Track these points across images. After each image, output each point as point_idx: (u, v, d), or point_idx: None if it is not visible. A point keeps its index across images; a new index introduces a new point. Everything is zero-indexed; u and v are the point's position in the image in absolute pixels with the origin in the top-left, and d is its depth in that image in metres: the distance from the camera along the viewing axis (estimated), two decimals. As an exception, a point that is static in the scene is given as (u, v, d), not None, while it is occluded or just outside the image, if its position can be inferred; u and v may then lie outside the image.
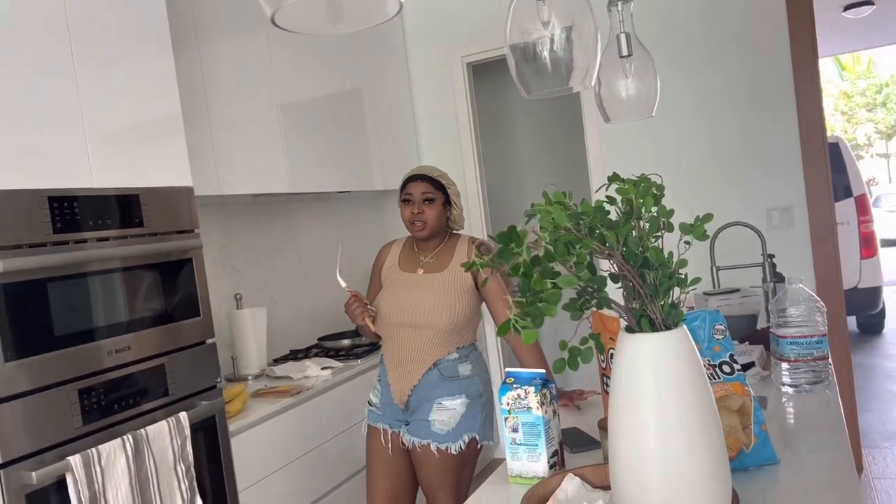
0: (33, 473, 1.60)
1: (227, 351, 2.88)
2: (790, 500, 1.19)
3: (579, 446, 1.56)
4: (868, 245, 5.88)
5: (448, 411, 2.15)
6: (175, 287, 2.06)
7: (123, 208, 1.91)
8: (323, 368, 2.78)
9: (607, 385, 1.72)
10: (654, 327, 1.09)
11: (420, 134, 4.12)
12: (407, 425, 2.21)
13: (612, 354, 1.66)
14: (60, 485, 1.68)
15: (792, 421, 1.62)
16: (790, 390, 1.75)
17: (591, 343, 0.98)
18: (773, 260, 2.66)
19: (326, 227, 3.69)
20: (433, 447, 2.14)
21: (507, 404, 1.40)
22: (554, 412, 1.42)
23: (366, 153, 3.56)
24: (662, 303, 1.10)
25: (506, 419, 1.40)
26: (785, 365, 1.75)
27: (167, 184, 2.07)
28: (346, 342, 3.12)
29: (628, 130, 3.55)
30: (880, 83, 19.38)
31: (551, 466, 1.38)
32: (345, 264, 2.32)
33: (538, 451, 1.38)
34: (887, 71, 18.98)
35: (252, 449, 2.30)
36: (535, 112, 5.03)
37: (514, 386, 1.40)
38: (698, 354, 1.09)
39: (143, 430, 1.85)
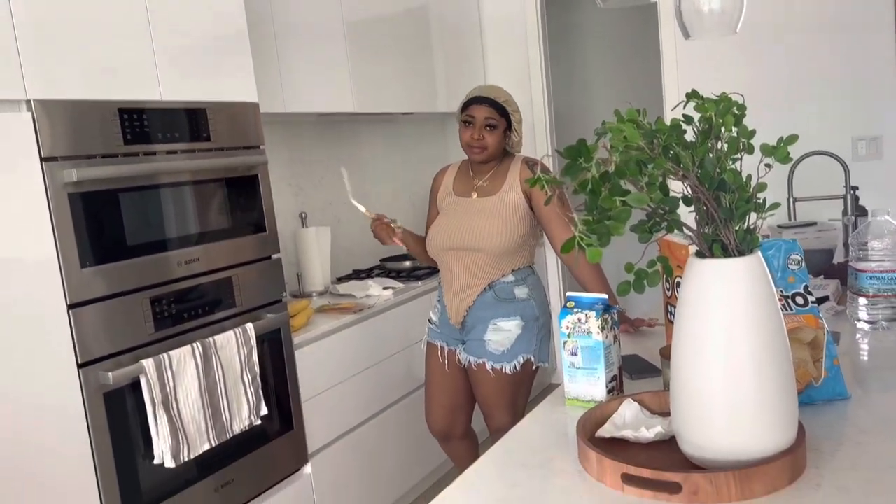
0: (110, 374, 1.69)
1: (293, 268, 2.94)
2: (859, 437, 1.15)
3: (639, 373, 1.54)
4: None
5: (503, 332, 2.16)
6: (241, 202, 2.09)
7: (191, 122, 1.93)
8: (385, 288, 2.82)
9: (671, 314, 1.68)
10: (726, 253, 1.04)
11: (487, 54, 4.00)
12: (464, 344, 2.24)
13: (678, 283, 1.61)
14: (135, 386, 1.77)
15: (865, 358, 1.55)
16: (866, 326, 1.68)
17: (659, 266, 0.94)
18: (857, 192, 2.52)
19: (390, 149, 3.67)
20: (488, 366, 2.17)
21: (567, 328, 1.38)
22: (615, 338, 1.39)
23: (431, 74, 3.48)
24: (737, 228, 1.05)
25: (565, 343, 1.39)
26: (863, 300, 1.67)
27: (233, 99, 2.07)
28: (407, 264, 3.15)
29: (708, 49, 3.35)
30: None
31: (609, 391, 1.37)
32: (355, 188, 2.30)
33: (597, 375, 1.36)
34: None
35: (315, 362, 2.37)
36: (606, 33, 4.81)
37: (575, 310, 1.38)
38: (772, 283, 1.04)
39: (211, 339, 1.92)
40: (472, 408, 2.38)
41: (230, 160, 2.02)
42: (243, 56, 2.11)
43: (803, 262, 1.36)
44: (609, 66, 4.83)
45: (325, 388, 2.41)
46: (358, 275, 3.19)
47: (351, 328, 2.53)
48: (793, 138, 1.10)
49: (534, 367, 2.21)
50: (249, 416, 2.01)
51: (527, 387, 2.26)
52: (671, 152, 1.02)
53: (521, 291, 2.19)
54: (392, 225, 2.29)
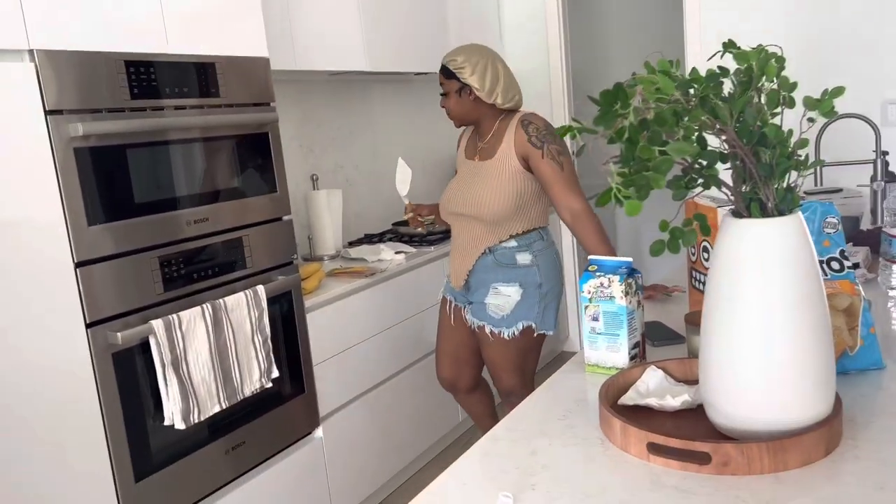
0: (118, 334, 1.65)
1: (304, 231, 2.89)
2: (892, 406, 1.10)
3: (661, 340, 1.49)
4: None
5: (503, 297, 2.15)
6: (252, 161, 2.04)
7: (199, 76, 1.87)
8: (397, 253, 2.77)
9: (695, 279, 1.62)
10: (764, 212, 0.98)
11: (503, 13, 3.89)
12: (470, 304, 2.24)
13: (704, 247, 1.55)
14: (144, 347, 1.73)
15: (898, 327, 1.49)
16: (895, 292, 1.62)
17: (696, 225, 0.88)
18: (887, 157, 2.43)
19: (402, 111, 3.59)
20: (487, 330, 2.17)
21: (589, 292, 1.33)
22: (639, 303, 1.34)
23: (444, 33, 3.38)
24: (777, 186, 0.98)
25: (586, 307, 1.34)
26: (897, 267, 1.61)
27: (243, 53, 2.00)
28: (420, 229, 3.08)
29: (731, 5, 3.23)
30: None
31: (632, 358, 1.32)
32: (411, 173, 2.36)
33: (619, 341, 1.31)
34: None
35: (327, 325, 2.33)
36: (627, -7, 4.67)
37: (598, 274, 1.33)
38: (813, 245, 0.98)
39: (221, 301, 1.88)
40: (477, 364, 2.40)
41: (240, 117, 1.96)
42: (253, 8, 2.04)
43: (840, 225, 1.30)
44: (629, 21, 4.69)
45: (336, 352, 2.37)
46: (370, 239, 3.14)
47: (363, 292, 2.49)
48: (839, 90, 1.03)
49: (535, 335, 2.19)
50: (261, 379, 1.98)
51: (533, 353, 2.25)
52: (709, 104, 0.96)
53: (523, 257, 2.15)
54: (424, 222, 2.40)
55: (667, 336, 1.50)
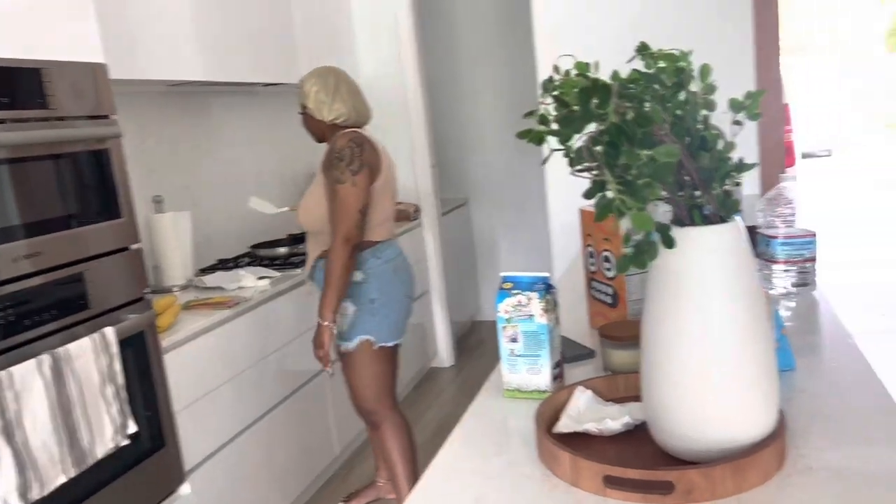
0: (-71, 403, 1.33)
1: (148, 259, 2.57)
2: (825, 410, 1.09)
3: (572, 356, 1.42)
4: (787, 154, 5.97)
5: (343, 313, 2.18)
6: (90, 183, 1.75)
7: (22, 85, 1.57)
8: (259, 279, 2.54)
9: (595, 290, 1.58)
10: (705, 219, 0.93)
11: (354, 24, 3.76)
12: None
13: (605, 257, 1.52)
14: (-35, 415, 1.41)
15: (788, 324, 1.54)
16: (777, 293, 1.68)
17: (658, 237, 0.81)
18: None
19: (251, 124, 3.34)
20: (337, 345, 2.24)
21: (506, 312, 1.23)
22: (556, 319, 1.26)
23: (292, 44, 3.18)
24: (717, 191, 0.94)
25: (504, 328, 1.24)
26: (777, 266, 1.67)
27: (74, 58, 1.72)
28: (282, 250, 2.87)
29: (581, 19, 3.32)
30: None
31: (554, 379, 1.24)
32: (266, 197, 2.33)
33: (540, 362, 1.23)
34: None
35: (187, 366, 2.06)
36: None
37: (514, 292, 1.23)
38: (752, 251, 0.95)
39: (62, 349, 1.58)
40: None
41: (74, 131, 1.67)
42: (85, 8, 1.76)
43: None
44: (481, 30, 4.71)
45: (200, 395, 2.11)
46: (224, 264, 2.86)
47: (225, 325, 2.24)
48: (761, 92, 1.01)
49: (375, 348, 2.19)
50: (115, 437, 1.69)
51: (381, 366, 2.24)
52: (646, 106, 0.89)
53: (354, 275, 2.15)
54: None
55: (576, 351, 1.44)
